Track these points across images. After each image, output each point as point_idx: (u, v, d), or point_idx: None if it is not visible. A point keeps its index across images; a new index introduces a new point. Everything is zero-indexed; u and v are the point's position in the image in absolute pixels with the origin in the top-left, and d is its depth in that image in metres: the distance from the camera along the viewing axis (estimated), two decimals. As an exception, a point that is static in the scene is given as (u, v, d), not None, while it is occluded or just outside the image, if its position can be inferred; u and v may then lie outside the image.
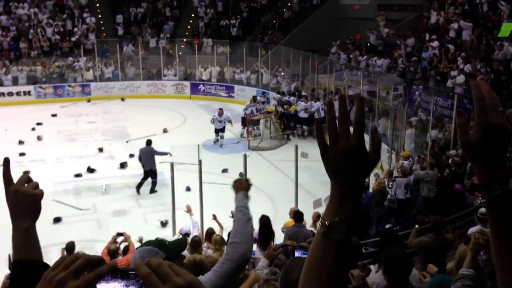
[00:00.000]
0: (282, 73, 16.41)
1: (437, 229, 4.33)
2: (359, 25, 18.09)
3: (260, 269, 2.66)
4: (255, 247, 6.07)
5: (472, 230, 4.52)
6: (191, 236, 5.71)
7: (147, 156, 9.63)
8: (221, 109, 12.85)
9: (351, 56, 15.98)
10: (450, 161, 8.02)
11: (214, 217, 6.26)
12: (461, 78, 11.68)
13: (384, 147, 10.48)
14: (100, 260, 0.69)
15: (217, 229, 6.04)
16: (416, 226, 4.78)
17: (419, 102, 11.53)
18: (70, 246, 5.68)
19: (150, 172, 9.48)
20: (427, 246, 4.27)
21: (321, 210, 6.99)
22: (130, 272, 0.69)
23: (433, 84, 12.50)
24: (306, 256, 1.84)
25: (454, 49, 12.94)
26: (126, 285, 0.69)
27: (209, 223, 6.40)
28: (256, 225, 6.14)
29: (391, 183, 7.67)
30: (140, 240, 5.48)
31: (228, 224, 6.31)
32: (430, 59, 13.23)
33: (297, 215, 5.70)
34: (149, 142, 9.94)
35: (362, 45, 16.61)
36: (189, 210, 6.18)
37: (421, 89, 11.87)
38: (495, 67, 11.30)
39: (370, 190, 7.57)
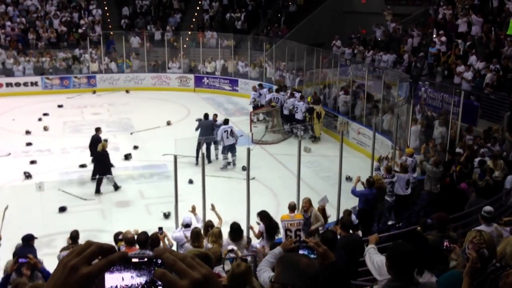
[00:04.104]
0: (284, 69, 16.33)
1: (441, 227, 4.31)
2: (365, 19, 17.92)
3: (271, 253, 2.72)
4: (259, 240, 6.15)
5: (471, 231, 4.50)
6: (192, 227, 5.79)
7: (207, 129, 10.50)
8: (227, 120, 10.92)
9: (355, 51, 15.86)
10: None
11: (213, 208, 6.31)
12: (469, 75, 11.57)
13: (388, 143, 10.45)
14: (111, 248, 0.72)
15: (215, 221, 6.09)
16: (418, 228, 4.77)
17: (424, 98, 11.44)
18: (74, 235, 5.77)
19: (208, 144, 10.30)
20: (431, 244, 4.25)
21: (327, 207, 7.00)
22: (143, 265, 0.71)
23: (440, 80, 12.39)
24: (309, 254, 1.87)
25: (464, 45, 12.78)
26: (138, 276, 0.71)
27: (211, 216, 6.45)
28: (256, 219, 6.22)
29: (389, 179, 7.62)
30: (136, 233, 5.54)
31: (228, 217, 6.38)
32: (437, 55, 13.10)
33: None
34: (207, 116, 10.83)
35: (370, 40, 16.45)
36: (193, 210, 6.28)
37: (427, 85, 11.77)
38: (504, 63, 11.18)
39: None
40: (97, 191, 9.07)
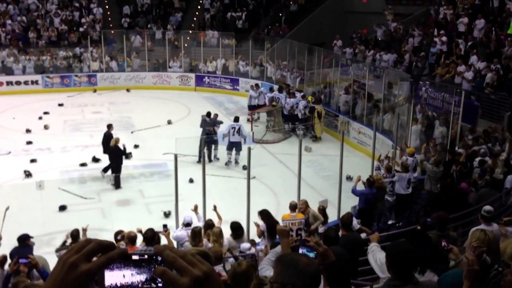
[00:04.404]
0: (286, 69, 16.33)
1: (441, 226, 4.31)
2: (366, 19, 17.91)
3: (273, 252, 2.73)
4: (260, 239, 6.16)
5: (474, 229, 4.50)
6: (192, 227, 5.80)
7: (210, 124, 10.75)
8: (237, 117, 11.15)
9: (356, 50, 15.86)
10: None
11: (215, 208, 6.34)
12: (469, 74, 11.57)
13: (389, 142, 10.45)
14: (111, 245, 0.71)
15: (216, 220, 6.12)
16: (418, 227, 4.77)
17: (425, 98, 11.43)
18: (74, 234, 5.77)
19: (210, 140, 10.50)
20: (433, 243, 4.25)
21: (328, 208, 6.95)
22: (143, 263, 0.71)
23: (440, 80, 12.38)
24: (309, 252, 1.87)
25: (465, 45, 12.78)
26: (138, 273, 0.70)
27: (211, 215, 6.46)
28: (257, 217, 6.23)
29: (389, 178, 7.62)
30: (140, 231, 5.57)
31: (228, 216, 6.38)
32: (438, 55, 13.10)
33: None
34: (209, 114, 10.99)
35: (371, 40, 16.45)
36: (195, 209, 6.34)
37: (428, 85, 11.76)
38: (505, 63, 11.18)
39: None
40: (118, 186, 9.29)
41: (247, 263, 2.97)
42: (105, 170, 9.56)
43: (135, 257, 0.71)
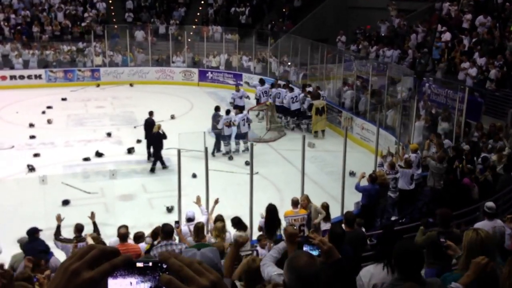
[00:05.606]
0: (289, 63, 16.26)
1: (445, 223, 4.29)
2: (370, 14, 17.80)
3: (276, 248, 2.71)
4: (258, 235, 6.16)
5: (478, 225, 4.49)
6: (195, 222, 5.80)
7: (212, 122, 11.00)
8: (243, 107, 11.63)
9: (359, 46, 15.77)
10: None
11: (216, 202, 6.32)
12: (473, 71, 11.49)
13: (392, 138, 10.42)
14: (115, 251, 0.69)
15: (225, 215, 6.12)
16: (421, 227, 4.75)
17: (428, 94, 11.37)
18: (79, 228, 5.80)
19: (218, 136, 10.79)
20: (434, 240, 4.23)
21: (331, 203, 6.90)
22: (147, 270, 0.69)
23: (442, 76, 12.32)
24: (312, 250, 1.86)
25: (469, 41, 12.70)
26: (142, 281, 0.68)
27: (215, 211, 6.46)
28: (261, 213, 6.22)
29: (392, 175, 7.60)
30: (149, 242, 5.58)
31: (231, 212, 6.38)
32: (442, 50, 13.02)
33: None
34: (217, 108, 11.13)
35: (373, 36, 16.37)
36: (198, 201, 6.29)
37: (431, 81, 11.69)
38: (509, 59, 11.10)
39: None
40: (155, 169, 9.86)
41: (261, 260, 2.95)
42: (150, 157, 10.03)
43: (139, 264, 0.69)
